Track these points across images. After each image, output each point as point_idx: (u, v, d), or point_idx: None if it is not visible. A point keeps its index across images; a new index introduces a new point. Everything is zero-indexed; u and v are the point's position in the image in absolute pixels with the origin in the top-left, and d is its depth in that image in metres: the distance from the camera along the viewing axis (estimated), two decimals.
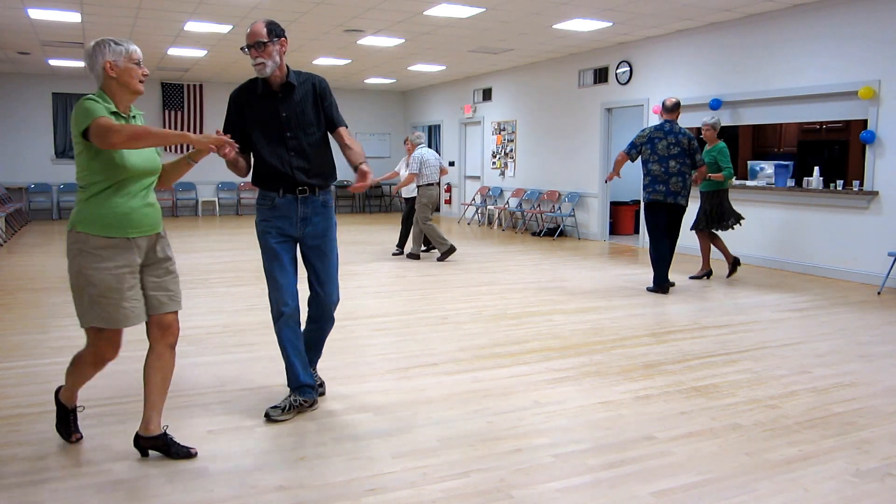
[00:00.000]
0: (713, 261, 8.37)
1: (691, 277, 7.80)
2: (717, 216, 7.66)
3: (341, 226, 13.27)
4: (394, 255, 9.46)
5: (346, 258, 9.14)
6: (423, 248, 9.38)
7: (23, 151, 14.89)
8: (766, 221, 8.67)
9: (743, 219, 7.76)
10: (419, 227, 9.07)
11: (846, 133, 10.63)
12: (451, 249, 8.95)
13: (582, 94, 11.84)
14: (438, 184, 9.11)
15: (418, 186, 9.01)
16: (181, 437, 3.22)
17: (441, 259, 9.00)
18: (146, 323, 2.92)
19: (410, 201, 9.43)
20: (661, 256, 6.95)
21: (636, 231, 11.69)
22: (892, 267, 7.12)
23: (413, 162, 8.95)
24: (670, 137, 6.84)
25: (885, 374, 4.29)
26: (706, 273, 7.83)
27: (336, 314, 5.80)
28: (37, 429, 3.31)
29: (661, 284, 6.96)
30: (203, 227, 13.43)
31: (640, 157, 6.98)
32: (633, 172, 11.65)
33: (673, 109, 7.01)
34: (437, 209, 8.60)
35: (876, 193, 7.51)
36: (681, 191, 6.85)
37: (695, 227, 7.80)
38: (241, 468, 2.89)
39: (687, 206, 6.98)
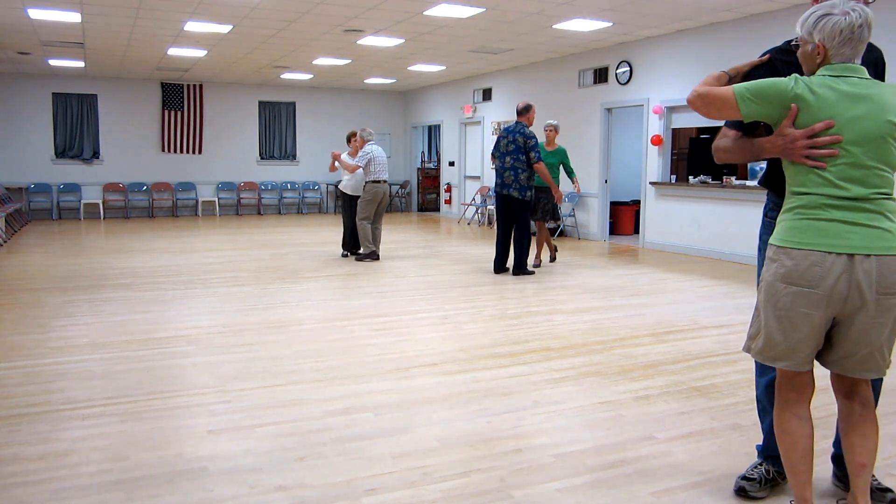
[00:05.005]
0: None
1: (534, 266, 8.41)
2: (545, 209, 8.50)
3: (335, 226, 13.26)
4: (345, 255, 9.15)
5: (347, 258, 9.14)
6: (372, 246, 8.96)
7: (23, 151, 14.89)
8: None
9: (559, 220, 8.87)
10: (364, 224, 8.83)
11: None
12: (373, 255, 8.82)
13: (582, 94, 11.84)
14: (386, 182, 8.83)
15: (365, 182, 8.77)
16: (181, 437, 3.23)
17: (359, 259, 8.86)
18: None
19: (353, 199, 9.05)
20: (499, 240, 7.86)
21: (636, 231, 11.70)
22: None
23: (363, 155, 8.65)
24: (510, 136, 7.68)
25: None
26: (536, 263, 8.52)
27: (336, 314, 5.86)
28: (37, 429, 3.31)
29: (497, 267, 7.88)
30: (203, 227, 13.43)
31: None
32: (635, 172, 11.65)
33: (521, 112, 7.86)
34: (388, 209, 8.27)
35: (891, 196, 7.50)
36: (512, 183, 7.63)
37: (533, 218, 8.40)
38: (241, 468, 2.89)
39: (522, 198, 7.65)
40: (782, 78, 2.21)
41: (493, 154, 7.94)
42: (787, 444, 2.28)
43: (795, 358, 2.23)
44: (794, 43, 2.36)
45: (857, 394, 2.35)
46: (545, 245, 8.87)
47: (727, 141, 2.49)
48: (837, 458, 2.72)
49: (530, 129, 7.76)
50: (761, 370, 2.66)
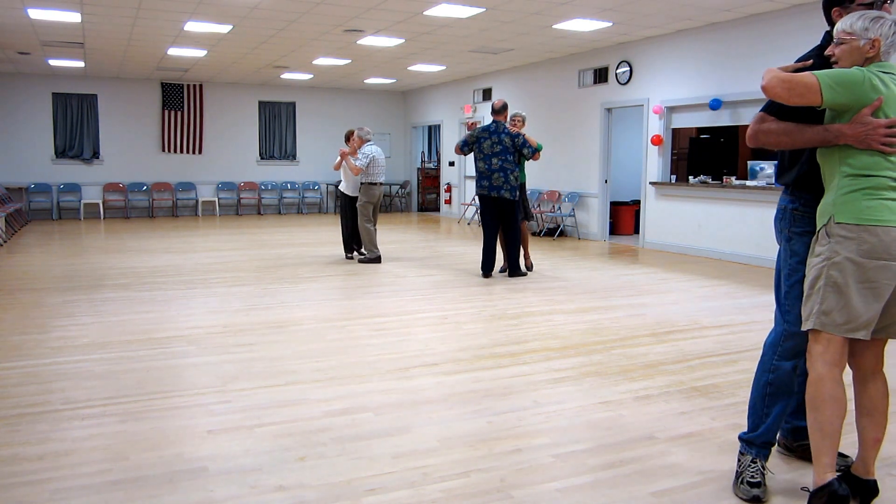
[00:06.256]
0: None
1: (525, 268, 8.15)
2: (523, 209, 8.10)
3: (336, 226, 13.22)
4: (350, 258, 9.09)
5: (350, 260, 9.14)
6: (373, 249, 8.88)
7: (23, 151, 14.88)
8: (766, 221, 8.66)
9: (532, 218, 8.42)
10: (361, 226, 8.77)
11: None
12: (377, 260, 8.74)
13: (582, 94, 11.84)
14: (382, 185, 8.79)
15: (361, 184, 8.69)
16: (181, 437, 3.23)
17: (363, 261, 8.77)
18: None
19: (353, 200, 8.95)
20: (486, 242, 7.69)
21: (636, 231, 11.70)
22: None
23: (363, 157, 8.54)
24: (494, 137, 7.48)
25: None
26: (528, 265, 8.21)
27: (336, 314, 5.86)
28: (37, 429, 3.31)
29: (485, 270, 7.68)
30: (203, 227, 13.43)
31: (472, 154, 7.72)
32: (635, 172, 11.66)
33: (499, 111, 7.63)
34: (384, 210, 8.27)
35: None
36: (503, 185, 7.48)
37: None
38: (241, 468, 2.90)
39: (513, 198, 7.54)
40: (851, 70, 2.41)
41: (462, 149, 7.67)
42: (832, 410, 2.43)
43: (871, 327, 2.43)
44: (836, 35, 2.50)
45: (879, 372, 2.59)
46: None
47: (778, 125, 2.54)
48: (794, 431, 2.98)
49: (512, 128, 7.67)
50: (791, 354, 2.65)
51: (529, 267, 8.17)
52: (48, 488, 2.71)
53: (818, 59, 2.60)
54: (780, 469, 2.89)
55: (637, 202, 11.39)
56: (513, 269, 7.74)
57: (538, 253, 9.68)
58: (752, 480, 2.66)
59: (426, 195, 18.14)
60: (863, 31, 2.45)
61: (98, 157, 15.44)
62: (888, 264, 2.36)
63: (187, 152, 16.08)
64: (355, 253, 9.17)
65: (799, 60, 2.64)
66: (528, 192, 13.21)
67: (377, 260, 8.78)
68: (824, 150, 2.49)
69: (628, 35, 10.19)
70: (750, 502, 2.62)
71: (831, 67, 2.50)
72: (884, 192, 2.38)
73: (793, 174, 2.67)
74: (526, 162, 8.00)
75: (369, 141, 8.76)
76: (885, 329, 2.51)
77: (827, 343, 2.45)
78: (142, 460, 2.96)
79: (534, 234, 12.50)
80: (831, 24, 2.62)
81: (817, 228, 2.50)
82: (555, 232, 12.12)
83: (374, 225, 8.84)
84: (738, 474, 2.72)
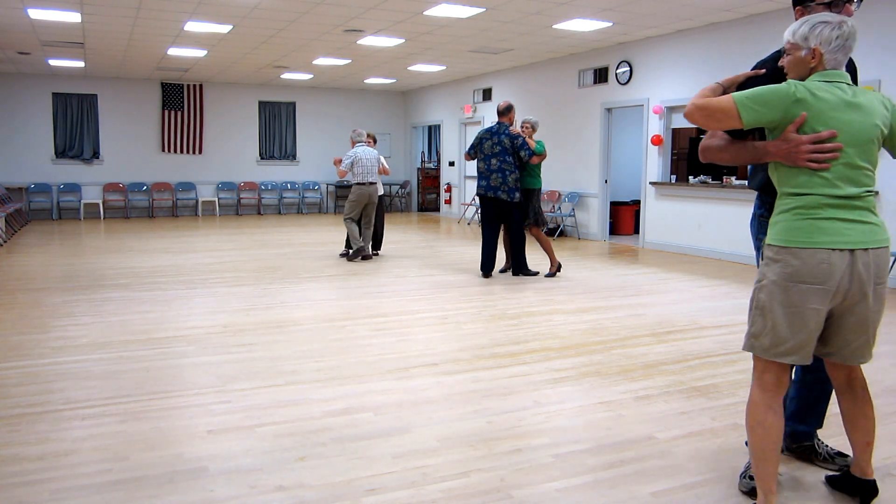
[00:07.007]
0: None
1: (547, 275, 7.84)
2: (534, 214, 7.79)
3: (336, 226, 13.28)
4: (345, 256, 9.22)
5: (346, 259, 9.14)
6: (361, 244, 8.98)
7: (23, 151, 14.88)
8: None
9: (546, 224, 8.14)
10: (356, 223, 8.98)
11: None
12: (360, 251, 8.85)
13: (582, 94, 11.84)
14: (374, 183, 8.92)
15: (353, 184, 8.91)
16: (181, 437, 3.23)
17: (350, 258, 8.87)
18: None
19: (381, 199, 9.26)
20: (485, 242, 7.67)
21: (636, 231, 11.70)
22: (891, 267, 7.12)
23: (346, 158, 8.81)
24: (494, 138, 7.52)
25: (885, 374, 4.28)
26: (555, 269, 7.87)
27: (336, 314, 5.86)
28: (37, 429, 3.31)
29: (484, 270, 7.67)
30: (203, 227, 13.43)
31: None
32: (635, 172, 11.66)
33: (504, 112, 7.64)
34: (384, 209, 8.47)
35: (876, 193, 7.48)
36: (500, 186, 7.47)
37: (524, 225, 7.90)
38: (241, 468, 2.90)
39: (511, 200, 7.48)
40: (779, 84, 2.30)
41: (468, 153, 7.80)
42: (760, 435, 2.36)
43: (803, 353, 2.33)
44: (784, 48, 2.43)
45: (855, 379, 2.54)
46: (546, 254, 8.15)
47: (719, 142, 2.52)
48: (793, 434, 2.96)
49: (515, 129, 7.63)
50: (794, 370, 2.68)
51: (555, 271, 7.84)
52: (48, 488, 2.71)
53: (772, 63, 2.53)
54: (780, 468, 2.89)
55: (637, 202, 11.39)
56: (517, 268, 7.75)
57: (537, 253, 9.67)
58: (753, 475, 2.68)
59: (426, 195, 18.14)
60: (803, 41, 2.32)
61: (98, 157, 15.44)
62: (812, 288, 2.24)
63: (187, 152, 16.07)
64: (357, 250, 9.19)
65: (756, 67, 2.59)
66: None
67: (360, 251, 8.86)
68: (770, 169, 2.40)
69: (628, 35, 10.19)
70: (748, 494, 2.66)
71: (785, 77, 2.40)
72: (817, 210, 2.25)
73: (758, 180, 2.67)
74: (541, 166, 7.84)
75: (360, 143, 8.93)
76: (834, 354, 2.43)
77: (763, 367, 2.39)
78: (142, 460, 2.97)
79: None
80: None
81: None
82: (555, 232, 12.12)
83: (369, 225, 8.94)
84: (744, 471, 2.75)
